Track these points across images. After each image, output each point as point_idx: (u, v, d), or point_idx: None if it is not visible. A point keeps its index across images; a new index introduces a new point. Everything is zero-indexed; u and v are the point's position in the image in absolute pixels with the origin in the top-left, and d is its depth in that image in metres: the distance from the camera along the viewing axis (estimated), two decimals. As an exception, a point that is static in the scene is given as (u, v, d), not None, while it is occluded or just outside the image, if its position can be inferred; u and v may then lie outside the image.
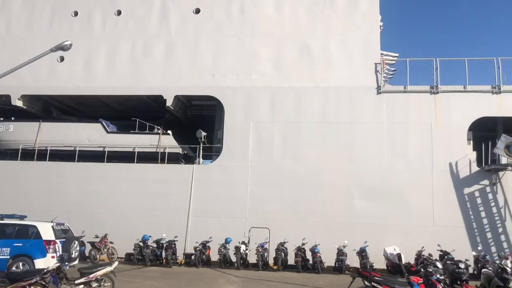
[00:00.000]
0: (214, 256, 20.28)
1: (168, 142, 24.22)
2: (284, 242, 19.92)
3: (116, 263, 12.15)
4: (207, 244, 20.48)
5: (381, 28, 23.98)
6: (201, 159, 23.78)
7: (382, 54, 23.15)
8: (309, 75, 22.96)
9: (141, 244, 20.39)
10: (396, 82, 23.37)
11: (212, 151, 24.39)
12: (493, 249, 20.29)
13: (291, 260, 19.84)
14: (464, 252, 18.52)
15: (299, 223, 21.13)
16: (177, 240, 20.41)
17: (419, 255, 18.48)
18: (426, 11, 74.55)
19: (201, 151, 23.72)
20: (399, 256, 18.63)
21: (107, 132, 24.74)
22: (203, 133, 23.63)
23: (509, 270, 13.11)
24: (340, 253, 19.26)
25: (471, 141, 21.90)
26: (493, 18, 72.17)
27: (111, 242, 21.07)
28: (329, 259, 19.55)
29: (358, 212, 21.22)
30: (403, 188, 21.12)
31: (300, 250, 19.54)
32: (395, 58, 23.88)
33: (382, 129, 21.93)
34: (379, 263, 19.45)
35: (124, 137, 24.54)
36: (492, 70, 21.85)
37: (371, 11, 23.37)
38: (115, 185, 23.08)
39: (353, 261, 19.39)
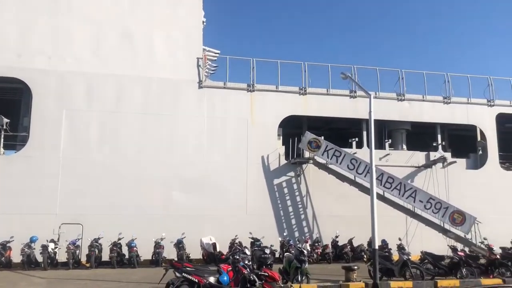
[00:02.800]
0: (17, 258, 18.15)
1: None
2: (99, 238, 18.89)
3: None
4: (7, 245, 18.24)
5: (204, 24, 24.50)
6: (1, 149, 20.99)
7: (204, 49, 23.67)
8: (130, 64, 22.16)
9: None
10: (218, 78, 24.21)
11: (16, 141, 21.72)
12: (297, 234, 22.63)
13: (106, 257, 18.95)
14: (272, 238, 20.31)
15: (116, 218, 20.25)
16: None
17: (232, 243, 19.48)
18: (248, 12, 79.22)
19: (2, 139, 20.94)
20: (214, 245, 19.35)
21: None
22: (5, 120, 20.89)
23: (305, 252, 14.73)
24: (157, 246, 19.13)
25: (281, 137, 23.99)
26: (302, 21, 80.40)
27: None
28: (147, 253, 19.30)
29: (177, 204, 21.38)
30: (221, 179, 22.02)
31: (115, 246, 18.79)
32: (217, 55, 24.68)
33: (203, 122, 22.48)
34: (197, 254, 19.95)
35: None
36: (300, 73, 24.24)
37: (194, 6, 23.69)
38: None
39: (170, 253, 19.45)
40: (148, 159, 21.46)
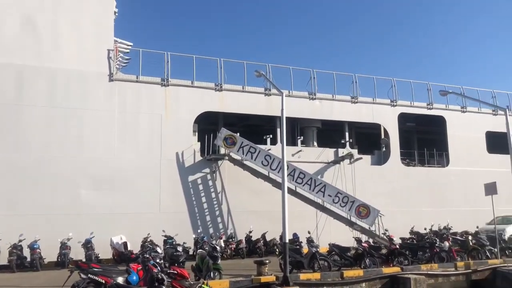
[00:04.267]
0: None
1: None
2: (-4, 241, 17.43)
3: None
4: None
5: (116, 14, 23.48)
6: None
7: (116, 41, 22.73)
8: (33, 53, 20.64)
9: None
10: (130, 71, 23.36)
11: None
12: (211, 230, 22.60)
13: (4, 260, 17.54)
14: (187, 235, 20.12)
15: (17, 218, 18.83)
16: None
17: (144, 242, 18.98)
18: (164, 5, 77.56)
19: None
20: (125, 244, 18.76)
21: None
22: None
23: (218, 248, 14.77)
24: (63, 247, 18.09)
25: (196, 133, 23.80)
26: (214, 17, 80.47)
27: None
28: (52, 255, 18.17)
29: (85, 202, 20.33)
30: (133, 177, 21.31)
31: (15, 248, 17.46)
32: (129, 47, 23.78)
33: (113, 117, 21.59)
34: (107, 254, 19.18)
35: None
36: (216, 69, 24.21)
37: (106, -5, 22.61)
38: None
39: (78, 254, 18.49)
40: (53, 155, 20.16)
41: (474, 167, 27.89)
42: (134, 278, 10.57)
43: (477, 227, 21.89)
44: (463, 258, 17.37)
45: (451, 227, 23.48)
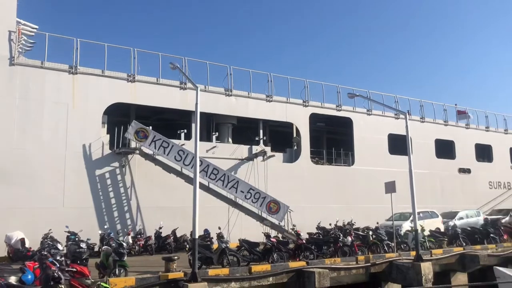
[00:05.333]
0: None
1: None
2: None
3: None
4: None
5: (20, -7, 21.68)
6: None
7: (19, 22, 21.00)
8: None
9: None
10: (35, 56, 21.69)
11: None
12: (119, 226, 21.79)
13: None
14: (93, 232, 19.20)
15: None
16: None
17: (45, 238, 17.79)
18: (78, -10, 73.36)
19: None
20: (22, 241, 17.44)
21: None
22: None
23: (125, 244, 14.28)
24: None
25: (106, 125, 22.77)
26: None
27: None
28: None
29: (-22, 196, 18.61)
30: (34, 169, 19.89)
31: None
32: (34, 30, 22.06)
33: (13, 104, 19.95)
34: (2, 251, 17.74)
35: None
36: (129, 59, 23.31)
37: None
38: None
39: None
40: None
41: (377, 167, 29.74)
42: (29, 277, 9.85)
43: (377, 223, 23.37)
44: (364, 252, 18.41)
45: (354, 222, 24.84)
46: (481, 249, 19.84)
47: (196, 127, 14.83)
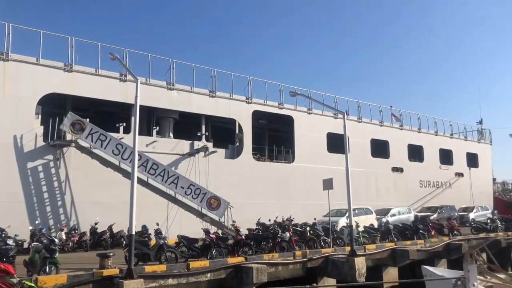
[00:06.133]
0: None
1: None
2: None
3: None
4: None
5: None
6: None
7: None
8: None
9: None
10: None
11: None
12: (51, 222, 20.85)
13: None
14: (22, 227, 18.21)
15: None
16: None
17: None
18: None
19: None
20: None
21: None
22: None
23: (57, 241, 13.69)
24: None
25: (40, 116, 21.70)
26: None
27: None
28: None
29: None
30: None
31: None
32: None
33: None
34: None
35: None
36: (66, 48, 22.34)
37: None
38: None
39: None
40: None
41: (316, 164, 30.50)
42: None
43: (315, 219, 23.96)
44: (301, 247, 18.81)
45: (293, 218, 25.32)
46: (411, 245, 20.84)
47: (135, 120, 14.47)
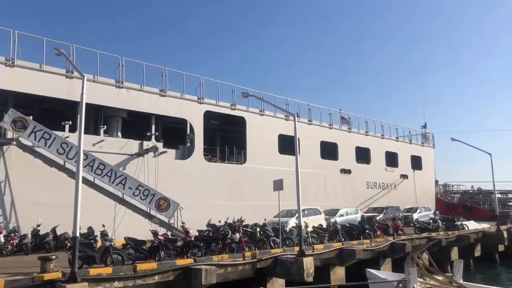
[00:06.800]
0: None
1: None
2: None
3: None
4: None
5: None
6: None
7: None
8: None
9: None
10: None
11: None
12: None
13: None
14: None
15: None
16: None
17: None
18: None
19: None
20: None
21: None
22: None
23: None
24: None
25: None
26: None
27: None
28: None
29: None
30: None
31: None
32: None
33: None
34: None
35: None
36: (8, 42, 21.28)
37: None
38: None
39: None
40: None
41: (267, 165, 30.72)
42: None
43: (265, 219, 24.11)
44: (251, 248, 18.86)
45: (244, 219, 25.34)
46: (357, 244, 21.40)
47: (81, 119, 13.99)
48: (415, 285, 9.07)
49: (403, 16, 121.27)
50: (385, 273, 12.72)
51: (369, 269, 12.52)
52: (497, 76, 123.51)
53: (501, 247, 30.18)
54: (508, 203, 52.45)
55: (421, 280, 9.85)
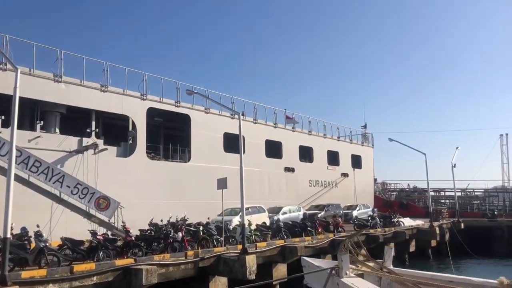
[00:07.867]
0: None
1: None
2: None
3: None
4: None
5: None
6: None
7: None
8: None
9: None
10: None
11: None
12: None
13: None
14: None
15: None
16: None
17: None
18: None
19: None
20: None
21: None
22: None
23: None
24: None
25: None
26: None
27: None
28: None
29: None
30: None
31: None
32: None
33: None
34: None
35: None
36: None
37: None
38: None
39: None
40: None
41: (212, 164, 30.60)
42: None
43: (208, 218, 23.99)
44: (194, 247, 18.73)
45: (188, 218, 25.01)
46: (299, 241, 21.86)
47: (13, 113, 13.27)
48: (347, 272, 9.39)
49: (350, 16, 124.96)
50: (319, 260, 13.06)
51: (304, 257, 12.80)
52: (434, 82, 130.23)
53: (433, 242, 31.90)
54: (441, 201, 55.42)
55: (353, 266, 10.23)
